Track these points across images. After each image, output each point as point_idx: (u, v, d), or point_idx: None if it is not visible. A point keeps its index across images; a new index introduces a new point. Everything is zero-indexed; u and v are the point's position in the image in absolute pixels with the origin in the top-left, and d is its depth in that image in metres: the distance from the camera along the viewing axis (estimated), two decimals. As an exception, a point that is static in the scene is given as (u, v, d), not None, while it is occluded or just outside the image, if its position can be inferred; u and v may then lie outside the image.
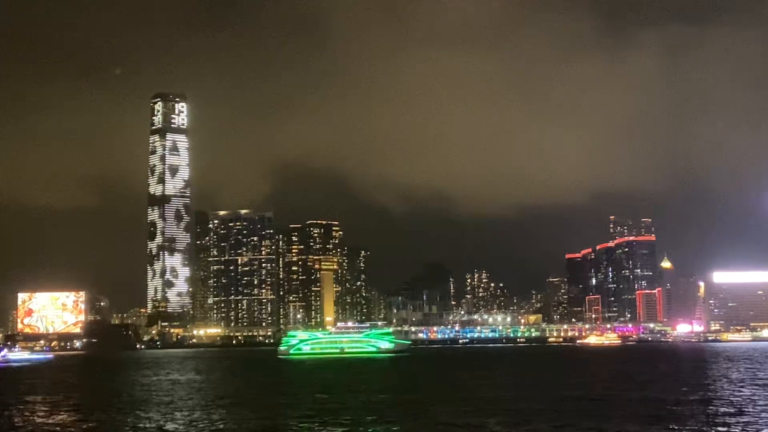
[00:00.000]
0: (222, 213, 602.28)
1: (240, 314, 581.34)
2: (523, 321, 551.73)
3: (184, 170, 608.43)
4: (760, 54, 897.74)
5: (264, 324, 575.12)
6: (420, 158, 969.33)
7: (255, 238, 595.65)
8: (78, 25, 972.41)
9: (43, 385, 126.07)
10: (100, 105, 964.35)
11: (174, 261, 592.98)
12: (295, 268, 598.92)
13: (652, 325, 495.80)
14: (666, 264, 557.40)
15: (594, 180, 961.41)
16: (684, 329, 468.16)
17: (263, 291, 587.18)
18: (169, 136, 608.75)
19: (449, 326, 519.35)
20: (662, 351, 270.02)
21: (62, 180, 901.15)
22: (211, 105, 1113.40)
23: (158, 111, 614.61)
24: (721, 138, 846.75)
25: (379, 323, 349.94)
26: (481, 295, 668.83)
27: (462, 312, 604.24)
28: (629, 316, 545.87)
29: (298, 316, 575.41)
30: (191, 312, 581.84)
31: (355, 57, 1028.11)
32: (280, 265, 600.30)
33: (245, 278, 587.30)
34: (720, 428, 59.23)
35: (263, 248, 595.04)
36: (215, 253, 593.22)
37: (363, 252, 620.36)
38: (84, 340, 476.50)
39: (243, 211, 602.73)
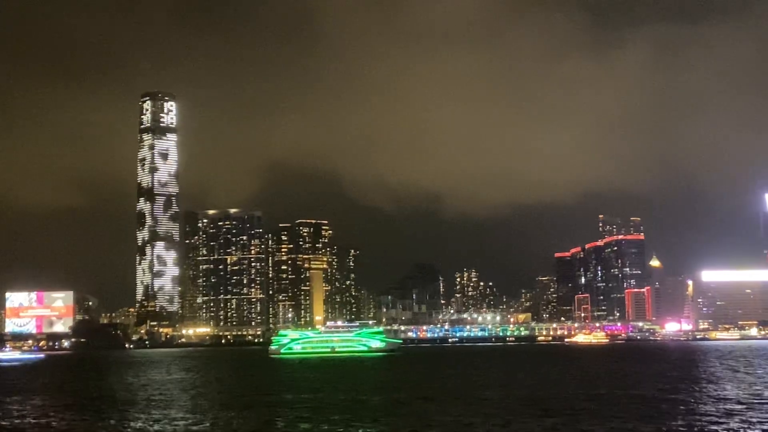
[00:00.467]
0: (211, 212, 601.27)
1: (229, 313, 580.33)
2: (512, 320, 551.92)
3: (172, 167, 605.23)
4: (749, 53, 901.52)
5: (253, 323, 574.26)
6: (410, 158, 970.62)
7: (244, 238, 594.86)
8: (67, 23, 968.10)
9: (54, 384, 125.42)
10: (88, 104, 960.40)
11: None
12: (285, 268, 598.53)
13: (640, 324, 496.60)
14: (655, 263, 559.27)
15: (583, 179, 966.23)
16: (672, 328, 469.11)
17: (252, 290, 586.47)
18: (158, 135, 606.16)
19: (439, 325, 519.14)
20: (649, 350, 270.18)
21: (50, 179, 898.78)
22: (200, 104, 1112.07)
23: (147, 110, 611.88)
24: (711, 137, 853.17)
25: (370, 322, 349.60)
26: (470, 294, 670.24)
27: (451, 311, 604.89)
28: (618, 314, 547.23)
29: (289, 315, 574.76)
30: (180, 311, 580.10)
31: (346, 56, 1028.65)
32: (270, 265, 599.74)
33: (234, 277, 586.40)
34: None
35: (252, 247, 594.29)
36: (204, 252, 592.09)
37: (352, 251, 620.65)
38: (72, 339, 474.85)
39: (232, 210, 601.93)
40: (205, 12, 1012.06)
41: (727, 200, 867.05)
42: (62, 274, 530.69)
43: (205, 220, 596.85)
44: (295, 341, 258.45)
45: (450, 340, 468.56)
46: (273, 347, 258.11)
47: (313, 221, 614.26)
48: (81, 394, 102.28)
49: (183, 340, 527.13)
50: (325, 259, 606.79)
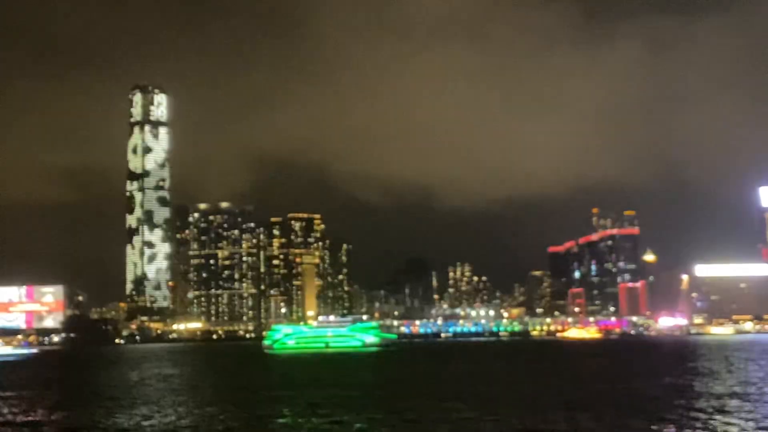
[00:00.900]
0: (202, 206, 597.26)
1: (221, 308, 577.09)
2: (506, 315, 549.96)
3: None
4: (743, 45, 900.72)
5: (245, 318, 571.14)
6: (402, 152, 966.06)
7: (236, 232, 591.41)
8: (55, 16, 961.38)
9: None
10: (77, 97, 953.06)
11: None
12: (277, 262, 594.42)
13: (635, 319, 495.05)
14: (649, 257, 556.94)
15: (577, 173, 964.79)
16: (667, 323, 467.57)
17: (244, 285, 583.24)
18: (148, 129, 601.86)
19: (432, 320, 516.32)
20: (641, 345, 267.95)
21: (38, 173, 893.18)
22: (191, 97, 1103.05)
23: (137, 103, 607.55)
24: (705, 131, 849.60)
25: (364, 317, 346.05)
26: (463, 289, 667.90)
27: (444, 306, 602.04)
28: (613, 309, 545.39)
29: (282, 310, 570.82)
30: (171, 306, 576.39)
31: (337, 50, 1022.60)
32: (261, 259, 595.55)
33: (226, 272, 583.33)
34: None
35: (244, 242, 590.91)
36: (195, 246, 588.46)
37: (345, 246, 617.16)
38: (62, 335, 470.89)
39: (223, 205, 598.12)
40: (195, 5, 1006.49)
41: (721, 194, 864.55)
42: (52, 268, 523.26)
43: (196, 214, 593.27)
44: (288, 336, 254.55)
45: (443, 335, 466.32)
46: (267, 342, 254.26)
47: (305, 215, 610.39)
48: (85, 389, 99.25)
49: (174, 335, 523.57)
50: (317, 253, 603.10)
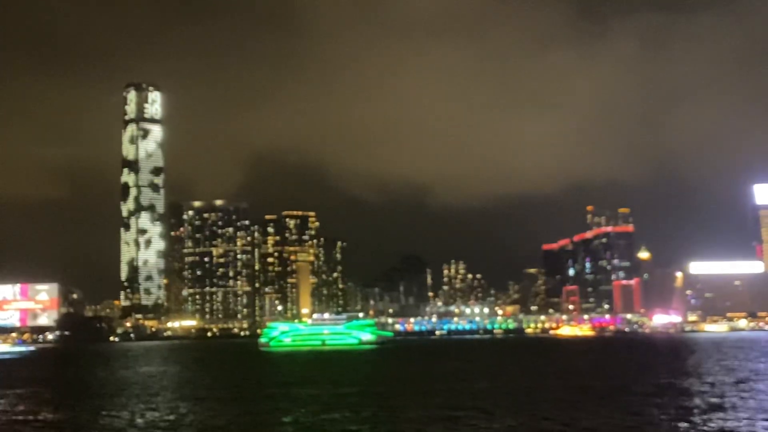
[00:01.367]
0: (197, 204, 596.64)
1: (215, 306, 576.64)
2: (500, 312, 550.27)
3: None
4: (737, 43, 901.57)
5: (239, 316, 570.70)
6: (396, 149, 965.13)
7: (230, 229, 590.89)
8: (49, 12, 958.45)
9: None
10: (71, 95, 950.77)
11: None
12: (271, 260, 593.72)
13: (629, 316, 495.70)
14: (643, 254, 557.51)
15: (571, 171, 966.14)
16: (661, 320, 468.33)
17: (238, 283, 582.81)
18: (142, 126, 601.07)
19: (426, 318, 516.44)
20: (633, 343, 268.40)
21: (32, 171, 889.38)
22: (185, 95, 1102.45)
23: (131, 100, 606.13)
24: (699, 128, 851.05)
25: (360, 315, 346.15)
26: (458, 286, 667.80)
27: (439, 303, 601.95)
28: (607, 306, 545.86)
29: (279, 308, 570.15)
30: (165, 304, 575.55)
31: (331, 48, 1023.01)
32: (256, 257, 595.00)
33: (220, 270, 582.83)
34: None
35: (238, 239, 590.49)
36: (190, 244, 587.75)
37: (339, 243, 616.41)
38: (57, 332, 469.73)
39: (218, 202, 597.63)
40: (190, 2, 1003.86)
41: (716, 191, 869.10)
42: (46, 266, 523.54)
43: (190, 212, 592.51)
44: (285, 334, 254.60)
45: (437, 332, 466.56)
46: (263, 340, 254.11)
47: (300, 213, 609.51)
48: (89, 386, 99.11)
49: (169, 333, 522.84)
50: (311, 251, 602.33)
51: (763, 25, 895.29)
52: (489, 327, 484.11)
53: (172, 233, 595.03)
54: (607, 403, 67.24)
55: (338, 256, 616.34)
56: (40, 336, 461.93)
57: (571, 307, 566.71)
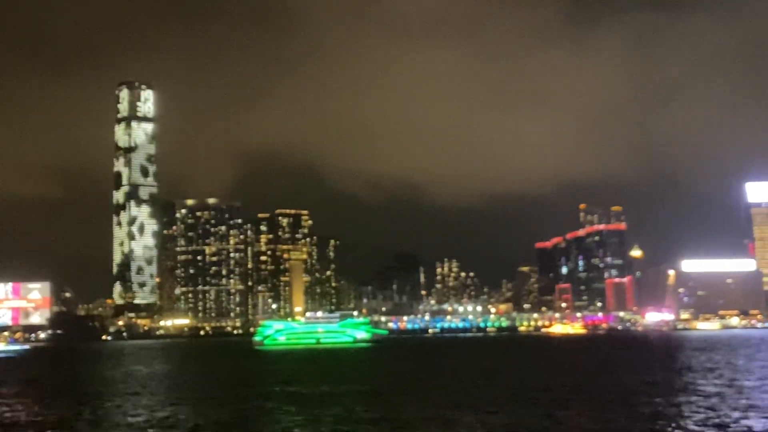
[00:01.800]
0: (189, 202, 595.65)
1: (208, 305, 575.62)
2: (493, 310, 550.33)
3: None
4: (730, 41, 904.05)
5: (232, 314, 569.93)
6: (389, 147, 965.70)
7: (223, 228, 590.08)
8: (42, 12, 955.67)
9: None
10: (64, 93, 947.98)
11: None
12: (264, 258, 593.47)
13: (622, 314, 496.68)
14: (636, 252, 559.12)
15: (564, 169, 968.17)
16: (653, 318, 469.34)
17: (231, 281, 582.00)
18: (135, 124, 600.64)
19: (419, 316, 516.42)
20: (625, 341, 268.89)
21: (25, 169, 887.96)
22: (178, 93, 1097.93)
23: (123, 99, 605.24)
24: (691, 126, 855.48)
25: (354, 313, 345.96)
26: (451, 284, 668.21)
27: (432, 302, 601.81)
28: (600, 304, 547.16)
29: (273, 306, 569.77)
30: (158, 302, 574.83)
31: (325, 46, 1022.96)
32: (249, 255, 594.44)
33: (213, 268, 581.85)
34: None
35: (231, 237, 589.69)
36: (182, 242, 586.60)
37: (332, 241, 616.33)
38: (49, 331, 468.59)
39: (211, 200, 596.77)
40: (183, 1, 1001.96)
41: (708, 190, 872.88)
42: (39, 265, 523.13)
43: (183, 210, 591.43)
44: (279, 332, 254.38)
45: (431, 330, 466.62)
46: (257, 338, 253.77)
47: (293, 211, 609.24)
48: (88, 384, 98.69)
49: (161, 331, 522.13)
50: (305, 249, 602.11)
51: (756, 23, 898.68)
52: (482, 325, 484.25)
53: (165, 232, 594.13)
54: (598, 401, 67.27)
55: (331, 254, 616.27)
56: (32, 335, 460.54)
57: (564, 305, 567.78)
